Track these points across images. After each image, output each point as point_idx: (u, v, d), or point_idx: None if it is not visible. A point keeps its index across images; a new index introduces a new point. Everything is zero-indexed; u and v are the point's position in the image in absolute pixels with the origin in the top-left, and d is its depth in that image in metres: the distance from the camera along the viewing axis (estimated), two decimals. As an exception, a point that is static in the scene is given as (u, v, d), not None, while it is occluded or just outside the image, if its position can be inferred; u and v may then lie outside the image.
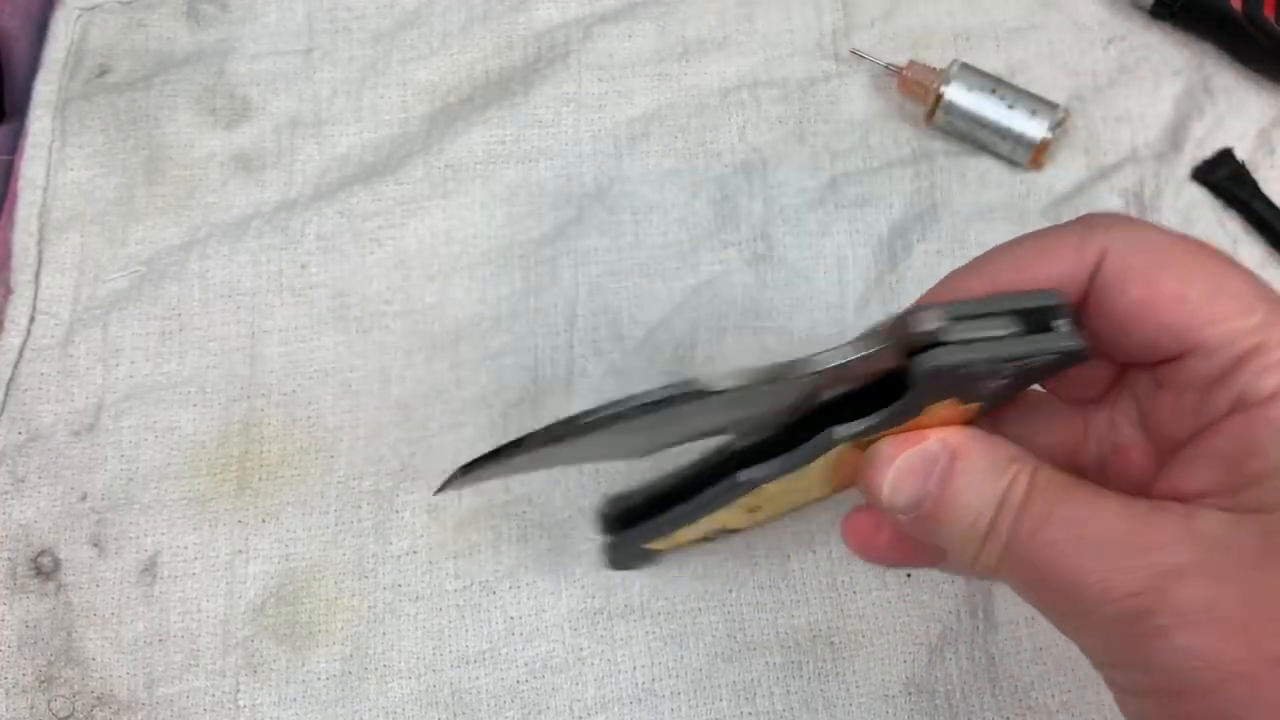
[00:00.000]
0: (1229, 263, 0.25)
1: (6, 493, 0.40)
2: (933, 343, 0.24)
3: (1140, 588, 0.22)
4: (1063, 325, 0.24)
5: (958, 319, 0.24)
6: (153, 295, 0.43)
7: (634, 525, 0.33)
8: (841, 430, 0.26)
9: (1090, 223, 0.26)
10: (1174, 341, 0.25)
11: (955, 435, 0.26)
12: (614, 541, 0.34)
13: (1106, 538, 0.23)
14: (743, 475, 0.28)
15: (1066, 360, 0.25)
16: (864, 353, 0.24)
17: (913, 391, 0.24)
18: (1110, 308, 0.25)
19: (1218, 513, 0.23)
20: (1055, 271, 0.25)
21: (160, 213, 0.45)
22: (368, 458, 0.41)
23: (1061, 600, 0.24)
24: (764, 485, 0.28)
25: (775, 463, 0.27)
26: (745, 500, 0.29)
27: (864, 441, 0.26)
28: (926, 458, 0.26)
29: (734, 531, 0.33)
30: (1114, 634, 0.23)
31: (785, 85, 0.46)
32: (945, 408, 0.26)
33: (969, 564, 0.26)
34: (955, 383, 0.25)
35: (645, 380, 0.41)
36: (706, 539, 0.34)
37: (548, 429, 0.25)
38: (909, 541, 0.28)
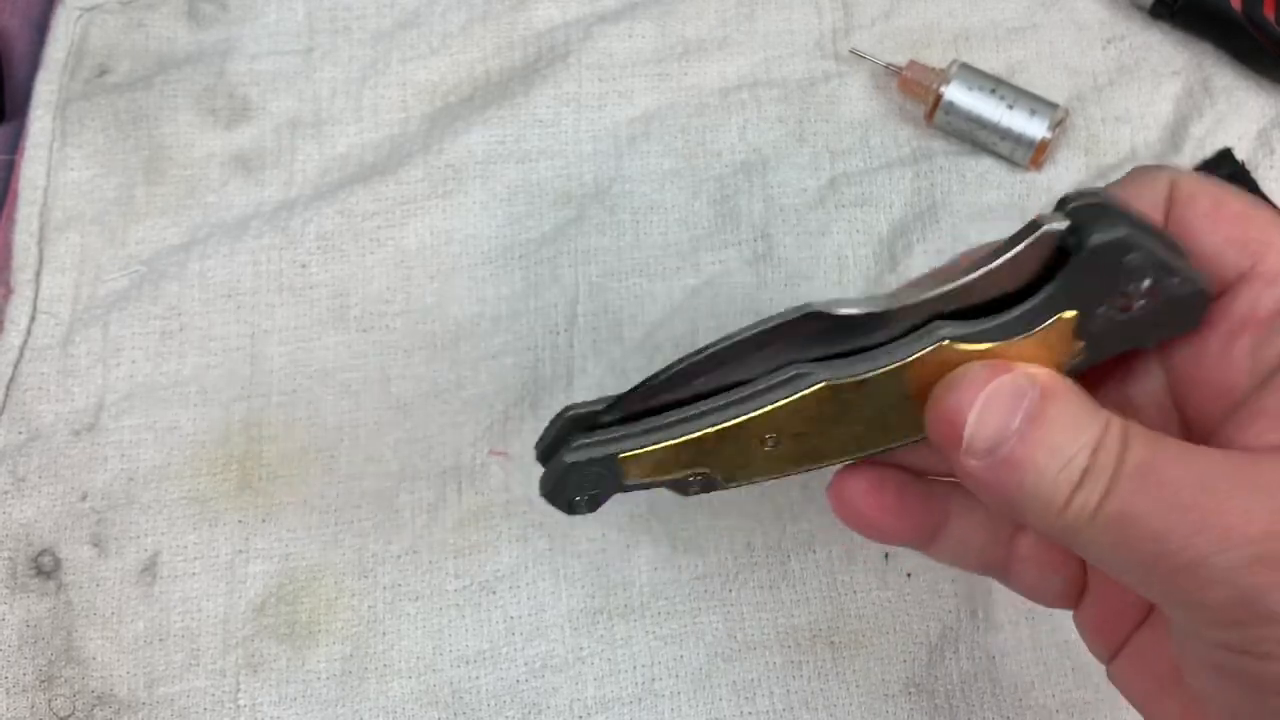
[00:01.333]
0: None
1: (7, 492, 0.40)
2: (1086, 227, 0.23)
3: (1266, 530, 0.20)
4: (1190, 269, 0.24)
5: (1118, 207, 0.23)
6: (153, 295, 0.43)
7: (624, 422, 0.26)
8: (949, 329, 0.24)
9: (1148, 167, 0.26)
10: (1240, 254, 0.24)
11: (1044, 373, 0.24)
12: (580, 447, 0.25)
13: (1221, 483, 0.21)
14: (817, 373, 0.24)
15: (1187, 308, 0.24)
16: (1014, 251, 0.23)
17: (1066, 272, 0.23)
18: (1178, 225, 0.25)
19: None
20: (1143, 203, 0.25)
21: (160, 212, 0.45)
22: (368, 457, 0.41)
23: (1168, 556, 0.21)
24: (840, 382, 0.24)
25: (863, 359, 0.24)
26: (797, 408, 0.25)
27: (957, 355, 0.24)
28: (1016, 390, 0.23)
29: (731, 481, 0.27)
30: (1233, 587, 0.21)
31: (785, 85, 0.46)
32: (1043, 345, 0.24)
33: (1052, 517, 0.23)
34: (1105, 276, 0.23)
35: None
36: (698, 476, 0.26)
37: (668, 368, 0.24)
38: (912, 505, 0.27)
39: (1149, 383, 0.27)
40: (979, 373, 0.24)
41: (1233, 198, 0.25)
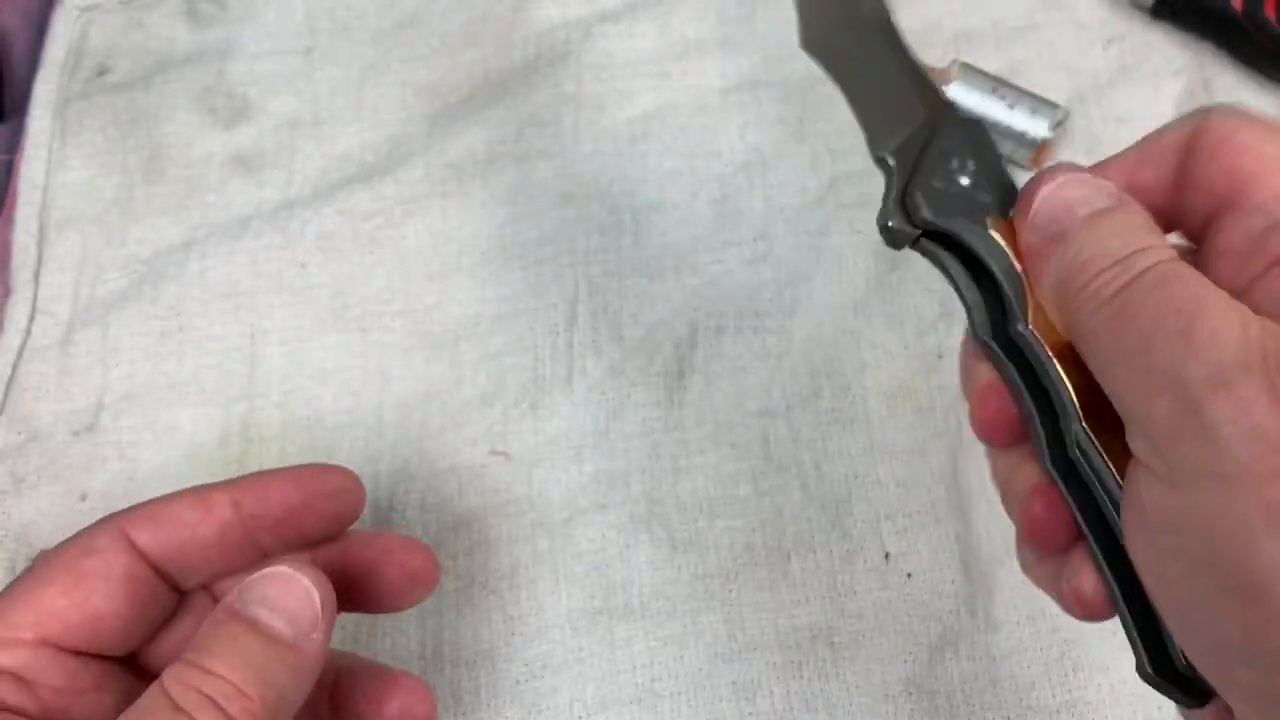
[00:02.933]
0: None
1: (6, 492, 0.40)
2: None
3: (1233, 358, 0.20)
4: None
5: None
6: (152, 295, 0.43)
7: None
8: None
9: (1207, 108, 0.26)
10: (1229, 184, 0.24)
11: (1119, 192, 0.25)
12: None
13: (1215, 304, 0.21)
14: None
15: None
16: None
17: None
18: (1191, 158, 0.25)
19: None
20: (1167, 142, 0.26)
21: (160, 212, 0.45)
22: (367, 457, 0.41)
23: (1145, 354, 0.21)
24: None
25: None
26: None
27: None
28: (1094, 186, 0.25)
29: None
30: (1183, 401, 0.20)
31: (785, 85, 0.46)
32: None
33: (1070, 295, 0.23)
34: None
35: (644, 380, 0.41)
36: None
37: None
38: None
39: None
40: (1070, 166, 0.25)
41: (1248, 130, 0.25)
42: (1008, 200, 0.27)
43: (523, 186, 0.45)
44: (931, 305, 0.42)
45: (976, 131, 0.28)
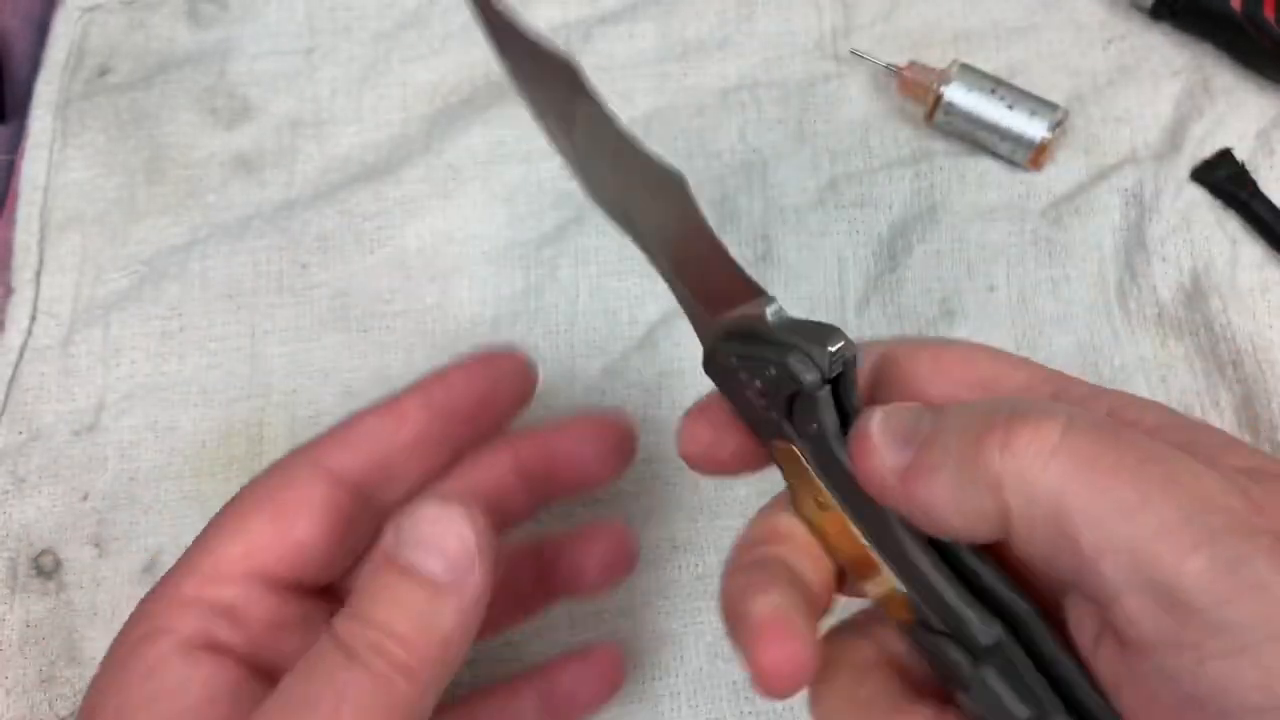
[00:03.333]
0: None
1: (8, 492, 0.40)
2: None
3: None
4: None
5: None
6: (153, 295, 0.43)
7: None
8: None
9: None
10: (974, 393, 0.24)
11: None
12: None
13: (1169, 462, 0.19)
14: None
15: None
16: None
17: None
18: (903, 387, 0.25)
19: None
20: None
21: (161, 213, 0.45)
22: (368, 458, 0.41)
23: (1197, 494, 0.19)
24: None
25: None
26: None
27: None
28: (913, 410, 0.23)
29: None
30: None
31: (785, 86, 0.46)
32: None
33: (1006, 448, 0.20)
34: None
35: (642, 379, 0.41)
36: None
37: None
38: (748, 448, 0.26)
39: None
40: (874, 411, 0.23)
41: (948, 348, 0.25)
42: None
43: (523, 187, 0.45)
44: (931, 305, 0.42)
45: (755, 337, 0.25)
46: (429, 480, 0.30)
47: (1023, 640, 0.22)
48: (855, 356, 0.24)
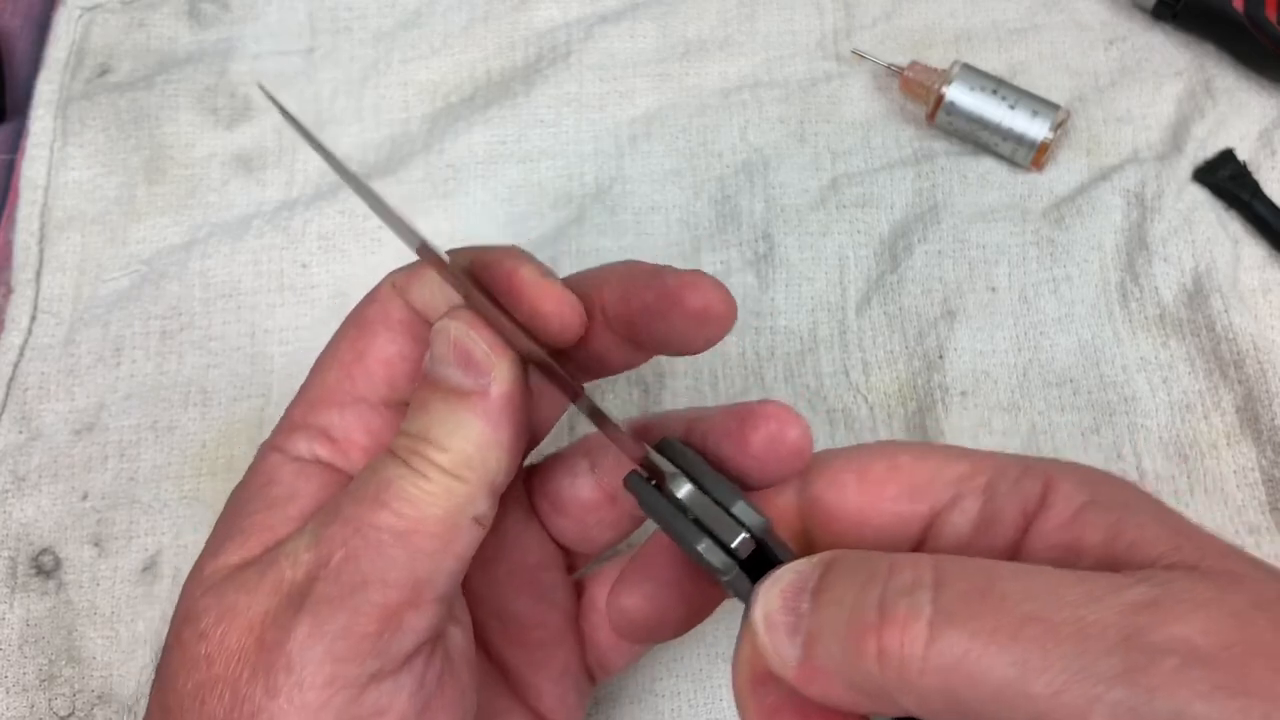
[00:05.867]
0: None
1: (8, 491, 0.40)
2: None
3: (1125, 630, 0.19)
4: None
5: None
6: (154, 295, 0.43)
7: None
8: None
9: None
10: (915, 503, 0.25)
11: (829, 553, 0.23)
12: None
13: (1058, 596, 0.19)
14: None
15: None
16: None
17: None
18: (838, 503, 0.26)
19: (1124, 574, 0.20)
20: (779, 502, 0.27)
21: (161, 212, 0.45)
22: (368, 457, 0.41)
23: (1030, 680, 0.19)
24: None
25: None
26: None
27: None
28: (793, 582, 0.23)
29: None
30: (1118, 697, 0.18)
31: (786, 85, 0.46)
32: None
33: (881, 673, 0.20)
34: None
35: (642, 378, 0.41)
36: None
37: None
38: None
39: None
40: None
41: (870, 464, 0.25)
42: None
43: (524, 186, 0.45)
44: (932, 305, 0.42)
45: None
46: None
47: None
48: (767, 524, 0.25)
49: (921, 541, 0.25)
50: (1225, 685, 0.18)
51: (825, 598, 0.22)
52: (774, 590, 0.23)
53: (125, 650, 0.38)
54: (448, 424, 0.25)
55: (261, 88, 0.27)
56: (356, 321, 0.29)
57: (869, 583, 0.21)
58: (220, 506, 0.40)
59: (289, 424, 0.28)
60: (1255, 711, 0.18)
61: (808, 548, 0.26)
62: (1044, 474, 0.24)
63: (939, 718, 0.20)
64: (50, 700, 0.37)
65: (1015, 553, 0.24)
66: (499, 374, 0.26)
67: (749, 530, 0.25)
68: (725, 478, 0.26)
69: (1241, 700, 0.18)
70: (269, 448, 0.28)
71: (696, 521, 0.25)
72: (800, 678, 0.22)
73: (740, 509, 0.25)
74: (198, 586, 0.26)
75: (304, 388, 0.29)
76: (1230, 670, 0.18)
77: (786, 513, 0.27)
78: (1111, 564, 0.21)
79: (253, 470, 0.28)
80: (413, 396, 0.27)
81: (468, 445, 0.25)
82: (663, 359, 0.42)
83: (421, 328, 0.28)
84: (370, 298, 0.29)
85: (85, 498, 0.40)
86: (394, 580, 0.24)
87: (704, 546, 0.24)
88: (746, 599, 0.24)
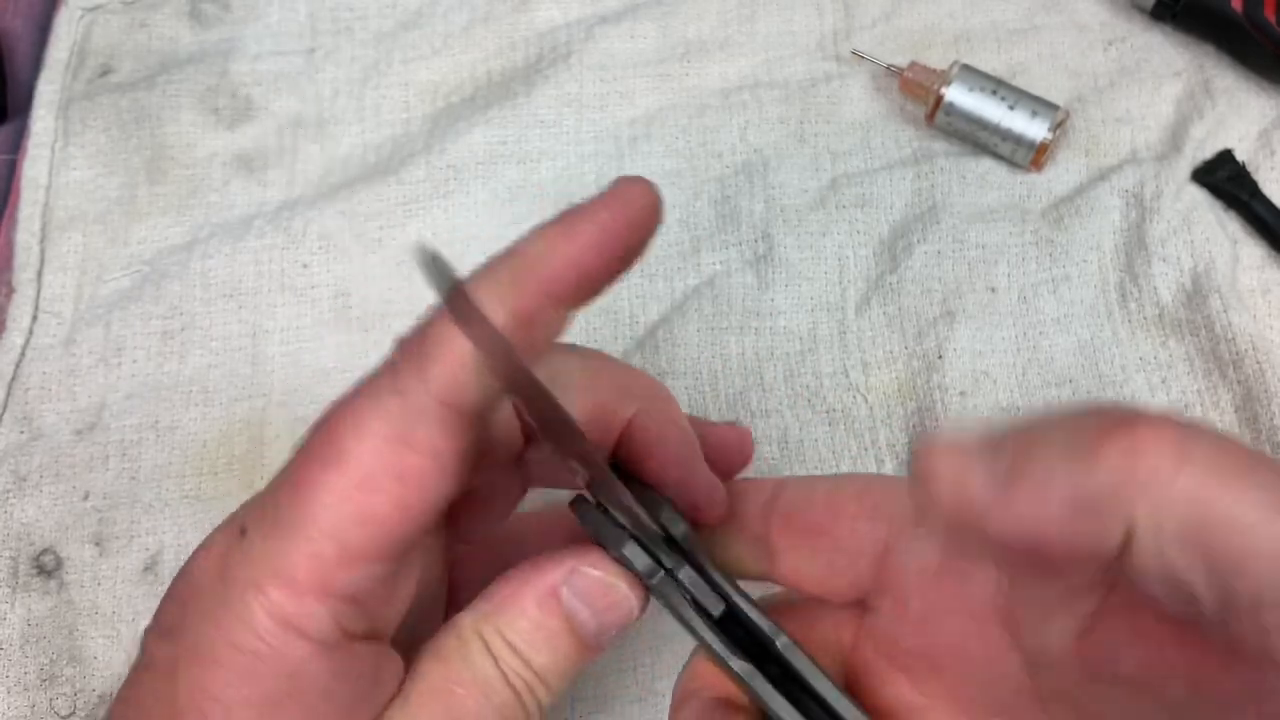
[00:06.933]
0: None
1: (9, 491, 0.40)
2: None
3: None
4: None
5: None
6: (155, 295, 0.43)
7: None
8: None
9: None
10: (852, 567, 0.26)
11: None
12: None
13: None
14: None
15: None
16: None
17: None
18: (802, 533, 0.26)
19: None
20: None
21: (162, 212, 0.45)
22: (369, 457, 0.41)
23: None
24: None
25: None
26: None
27: None
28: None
29: None
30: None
31: (786, 86, 0.47)
32: None
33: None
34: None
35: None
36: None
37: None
38: None
39: None
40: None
41: (838, 490, 0.26)
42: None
43: (525, 187, 0.45)
44: (932, 306, 0.42)
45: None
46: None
47: None
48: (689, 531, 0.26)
49: (880, 565, 0.25)
50: None
51: (1042, 419, 0.19)
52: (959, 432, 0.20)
53: (127, 650, 0.38)
54: (567, 671, 0.25)
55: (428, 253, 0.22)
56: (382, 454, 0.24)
57: (1098, 405, 0.19)
58: (220, 505, 0.40)
59: (296, 589, 0.22)
60: None
61: (765, 555, 0.27)
62: None
63: (1154, 544, 0.17)
64: (51, 700, 0.37)
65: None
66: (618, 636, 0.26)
67: (673, 536, 0.26)
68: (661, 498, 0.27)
69: None
70: (275, 621, 0.22)
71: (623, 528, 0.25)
72: (1004, 494, 0.18)
73: (667, 515, 0.26)
74: None
75: (298, 542, 0.22)
76: None
77: (754, 519, 0.27)
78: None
79: (254, 650, 0.22)
80: (532, 608, 0.25)
81: (564, 685, 0.25)
82: (662, 360, 0.42)
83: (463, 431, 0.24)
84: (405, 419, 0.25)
85: (86, 497, 0.40)
86: None
87: (628, 550, 0.25)
88: (673, 610, 0.25)
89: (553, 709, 0.26)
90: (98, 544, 0.39)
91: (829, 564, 0.26)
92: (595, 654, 0.26)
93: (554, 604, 0.25)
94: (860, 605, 0.26)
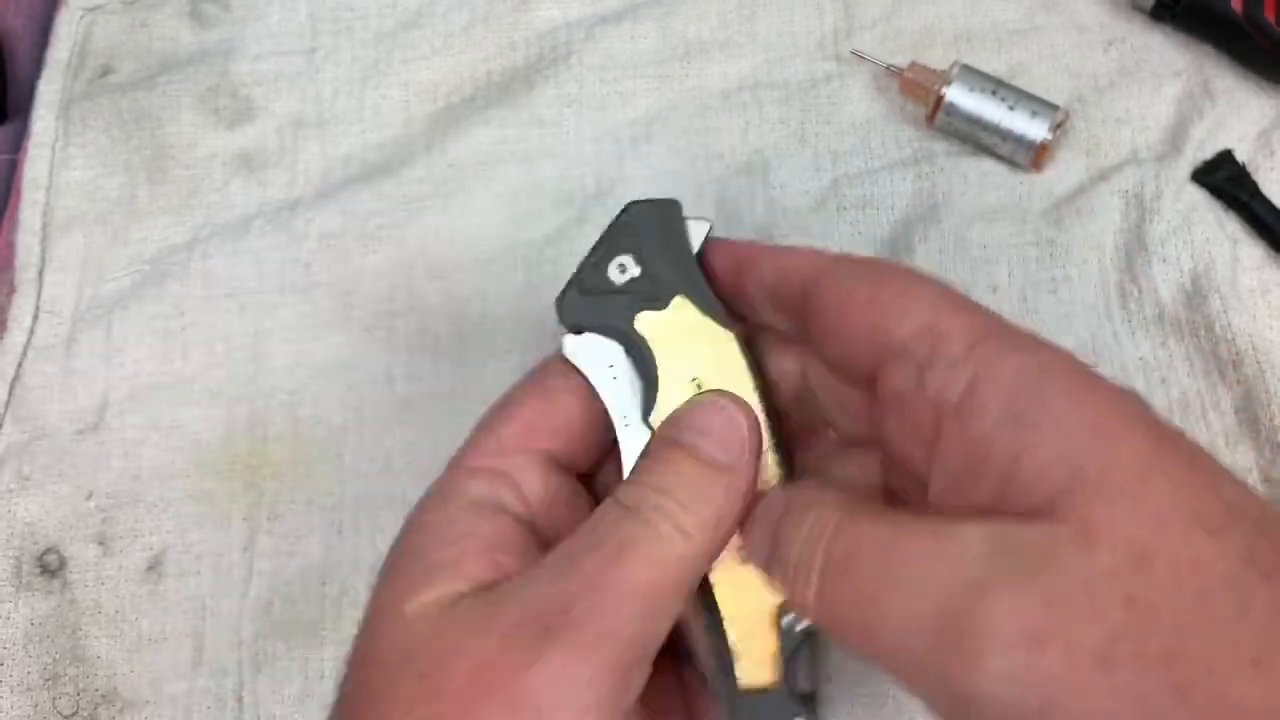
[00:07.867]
0: (926, 277, 0.27)
1: (12, 491, 0.40)
2: None
3: (943, 609, 0.21)
4: None
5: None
6: (156, 294, 0.43)
7: None
8: None
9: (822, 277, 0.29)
10: (869, 345, 0.26)
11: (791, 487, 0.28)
12: None
13: (907, 568, 0.22)
14: None
15: None
16: None
17: None
18: (818, 322, 0.27)
19: (980, 524, 0.22)
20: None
21: (163, 212, 0.45)
22: (372, 456, 0.41)
23: (875, 644, 0.23)
24: None
25: None
26: None
27: None
28: (769, 507, 0.27)
29: None
30: (932, 672, 0.21)
31: (787, 86, 0.47)
32: None
33: (803, 614, 0.27)
34: None
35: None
36: None
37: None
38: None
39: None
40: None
41: (885, 284, 0.26)
42: (684, 284, 0.30)
43: (525, 187, 0.45)
44: (932, 306, 0.42)
45: (647, 224, 0.31)
46: None
47: None
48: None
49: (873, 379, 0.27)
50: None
51: (782, 539, 0.26)
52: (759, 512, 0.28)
53: (130, 649, 0.38)
54: (696, 488, 0.26)
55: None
56: (539, 387, 0.31)
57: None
58: (224, 505, 0.41)
59: (463, 469, 0.29)
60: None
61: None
62: (974, 371, 0.24)
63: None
64: (54, 699, 0.38)
65: (932, 442, 0.24)
66: (750, 457, 0.27)
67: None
68: None
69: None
70: (444, 487, 0.30)
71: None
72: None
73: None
74: (396, 623, 0.26)
75: (477, 439, 0.30)
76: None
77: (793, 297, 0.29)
78: (1004, 494, 0.22)
79: (427, 508, 0.29)
80: (650, 457, 0.28)
81: (710, 512, 0.26)
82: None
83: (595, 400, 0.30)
84: (549, 370, 0.31)
85: (89, 497, 0.40)
86: (629, 637, 0.25)
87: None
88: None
89: (714, 548, 0.27)
90: (101, 543, 0.40)
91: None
92: (734, 476, 0.27)
93: (666, 441, 0.28)
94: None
